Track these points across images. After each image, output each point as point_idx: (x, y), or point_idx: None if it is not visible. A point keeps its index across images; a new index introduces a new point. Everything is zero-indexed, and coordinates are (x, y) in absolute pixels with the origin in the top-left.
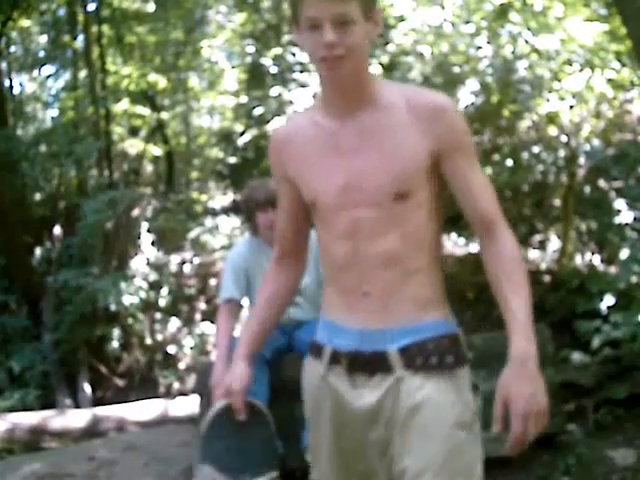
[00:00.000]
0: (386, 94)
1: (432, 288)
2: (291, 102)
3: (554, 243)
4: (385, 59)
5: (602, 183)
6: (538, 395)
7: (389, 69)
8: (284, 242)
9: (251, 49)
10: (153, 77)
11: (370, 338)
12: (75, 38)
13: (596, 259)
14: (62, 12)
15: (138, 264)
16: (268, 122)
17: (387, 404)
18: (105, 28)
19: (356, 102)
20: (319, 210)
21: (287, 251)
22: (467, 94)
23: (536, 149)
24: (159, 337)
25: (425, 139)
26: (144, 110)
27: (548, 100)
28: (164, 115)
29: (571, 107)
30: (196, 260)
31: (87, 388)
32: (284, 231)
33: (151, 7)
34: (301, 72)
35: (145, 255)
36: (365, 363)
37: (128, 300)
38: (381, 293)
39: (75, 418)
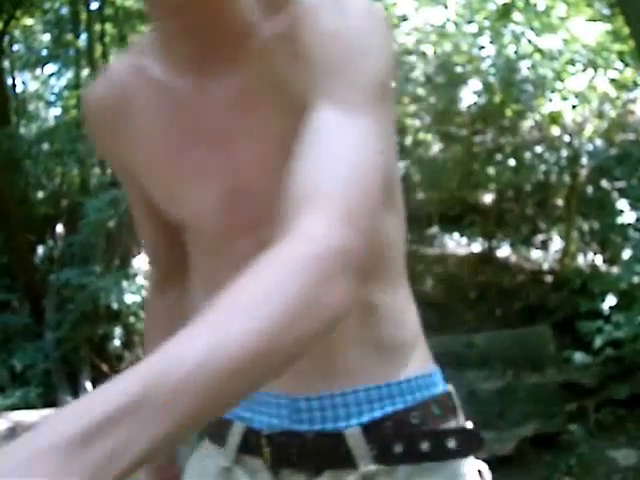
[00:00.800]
0: (276, 19)
1: (404, 327)
2: None
3: (556, 243)
4: None
5: (605, 183)
6: None
7: None
8: (159, 258)
9: None
10: None
11: (309, 410)
12: (78, 36)
13: (598, 259)
14: (65, 11)
15: (140, 263)
16: None
17: None
18: (108, 26)
19: (221, 43)
20: (194, 234)
21: (170, 272)
22: (470, 94)
23: (539, 149)
24: None
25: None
26: None
27: (551, 100)
28: None
29: (574, 107)
30: None
31: (89, 386)
32: (153, 244)
33: None
34: None
35: None
36: (303, 453)
37: (130, 299)
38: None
39: None
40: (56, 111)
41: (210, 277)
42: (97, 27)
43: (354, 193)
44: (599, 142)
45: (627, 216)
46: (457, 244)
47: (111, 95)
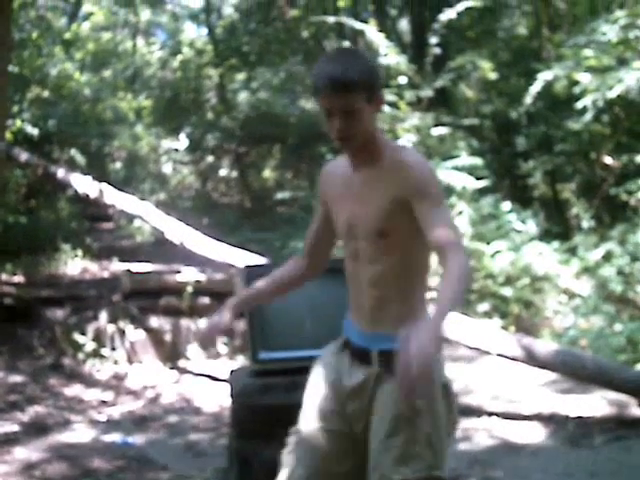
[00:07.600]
0: (387, 154)
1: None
2: None
3: None
4: None
5: None
6: (428, 341)
7: None
8: (307, 249)
9: None
10: None
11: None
12: None
13: None
14: None
15: None
16: None
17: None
18: None
19: (363, 162)
20: (338, 236)
21: (307, 257)
22: None
23: None
24: None
25: (394, 189)
26: None
27: None
28: None
29: None
30: None
31: None
32: (310, 240)
33: None
34: None
35: None
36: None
37: None
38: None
39: None
40: None
41: (347, 263)
42: None
43: (453, 238)
44: None
45: None
46: None
47: (329, 169)
